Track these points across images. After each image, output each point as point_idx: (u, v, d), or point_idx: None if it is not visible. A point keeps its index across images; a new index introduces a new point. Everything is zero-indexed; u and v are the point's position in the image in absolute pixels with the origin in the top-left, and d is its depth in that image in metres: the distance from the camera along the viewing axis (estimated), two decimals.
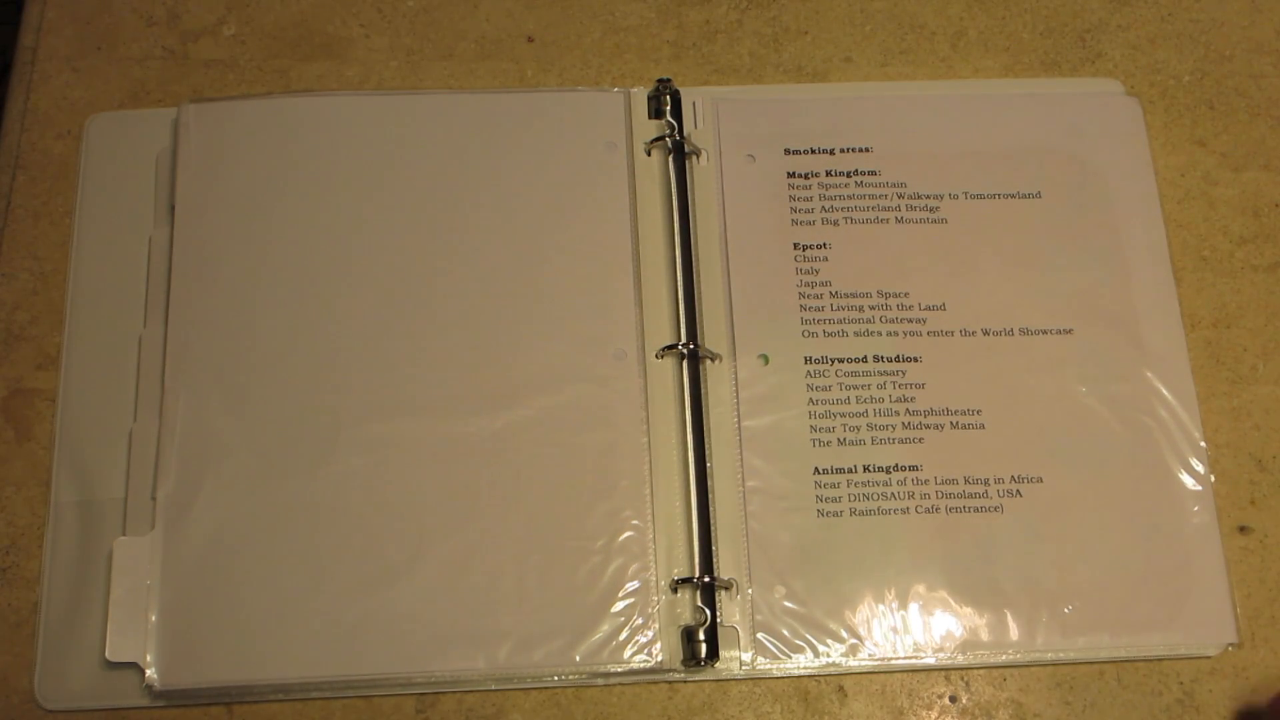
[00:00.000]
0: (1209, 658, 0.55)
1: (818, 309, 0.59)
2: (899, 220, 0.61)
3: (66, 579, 0.54)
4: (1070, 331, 0.59)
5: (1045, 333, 0.59)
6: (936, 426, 0.57)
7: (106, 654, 0.52)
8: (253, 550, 0.54)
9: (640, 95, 0.63)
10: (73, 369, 0.57)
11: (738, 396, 0.57)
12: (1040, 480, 0.56)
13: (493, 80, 0.65)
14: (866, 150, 0.62)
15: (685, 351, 0.57)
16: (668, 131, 0.62)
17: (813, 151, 0.62)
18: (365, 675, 0.52)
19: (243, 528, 0.54)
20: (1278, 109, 0.65)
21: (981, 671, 0.54)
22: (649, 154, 0.62)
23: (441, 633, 0.53)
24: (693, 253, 0.60)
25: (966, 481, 0.56)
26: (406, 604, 0.53)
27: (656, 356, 0.58)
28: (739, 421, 0.57)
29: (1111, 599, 0.54)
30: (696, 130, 0.62)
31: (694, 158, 0.62)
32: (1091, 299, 0.59)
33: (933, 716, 0.54)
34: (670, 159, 0.61)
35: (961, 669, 0.54)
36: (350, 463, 0.55)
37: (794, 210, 0.61)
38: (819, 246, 0.60)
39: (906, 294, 0.59)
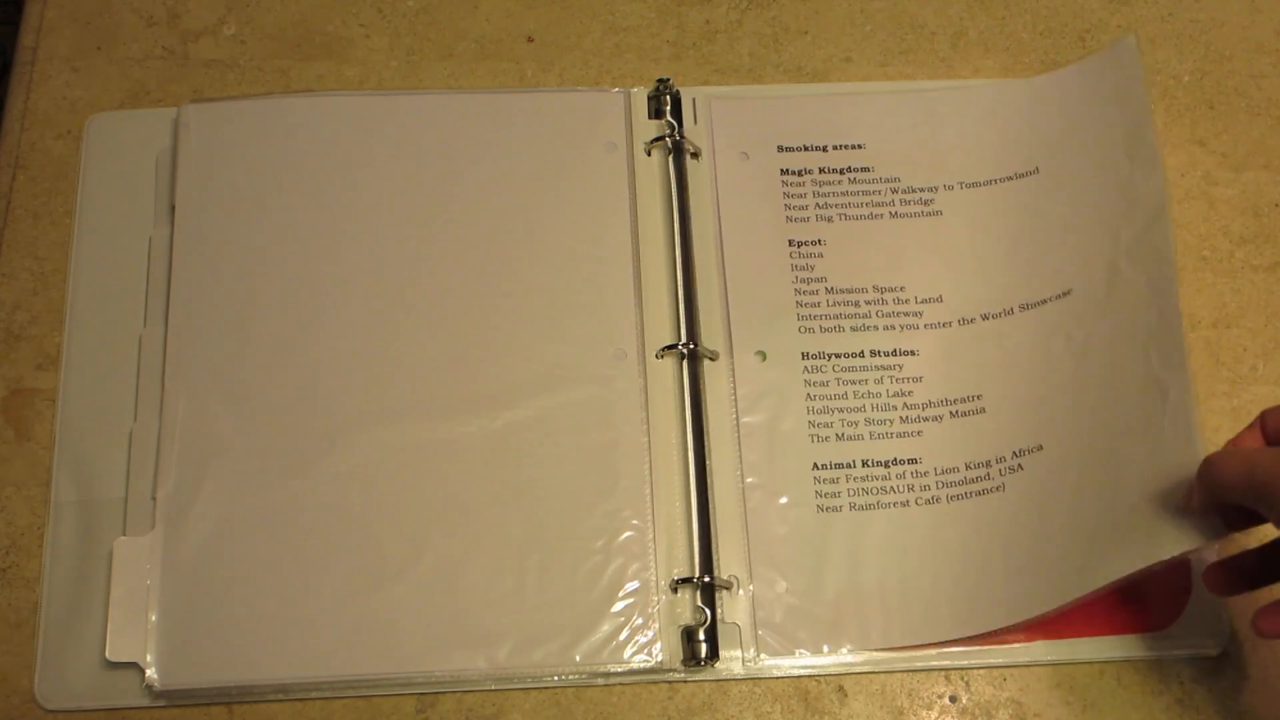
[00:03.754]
0: (1209, 658, 0.55)
1: (814, 305, 0.59)
2: (893, 215, 0.61)
3: (66, 579, 0.54)
4: (1069, 293, 0.58)
5: (1044, 302, 0.59)
6: (935, 418, 0.57)
7: (106, 654, 0.52)
8: (253, 550, 0.53)
9: (640, 95, 0.63)
10: (73, 369, 0.57)
11: (735, 394, 0.57)
12: (1040, 448, 0.56)
13: (493, 80, 0.65)
14: (859, 147, 0.62)
15: (685, 351, 0.57)
16: (668, 131, 0.62)
17: (805, 149, 0.62)
18: (365, 675, 0.52)
19: (242, 528, 0.54)
20: (1278, 109, 0.65)
21: (981, 671, 0.54)
22: (649, 154, 0.62)
23: (441, 633, 0.53)
24: (691, 252, 0.60)
25: (967, 468, 0.56)
26: (406, 604, 0.53)
27: (657, 356, 0.58)
28: (737, 418, 0.57)
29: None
30: (692, 129, 0.62)
31: (693, 157, 0.62)
32: (1090, 256, 0.59)
33: (933, 716, 0.54)
34: (670, 159, 0.61)
35: (961, 669, 0.54)
36: (350, 462, 0.55)
37: (788, 207, 0.61)
38: (814, 243, 0.60)
39: (902, 288, 0.59)
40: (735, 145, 0.62)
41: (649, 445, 0.56)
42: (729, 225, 0.60)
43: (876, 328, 0.59)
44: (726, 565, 0.54)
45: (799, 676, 0.54)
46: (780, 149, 0.62)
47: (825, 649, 0.53)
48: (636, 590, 0.53)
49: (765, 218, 0.61)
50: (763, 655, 0.53)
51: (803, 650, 0.53)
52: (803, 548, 0.55)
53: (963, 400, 0.57)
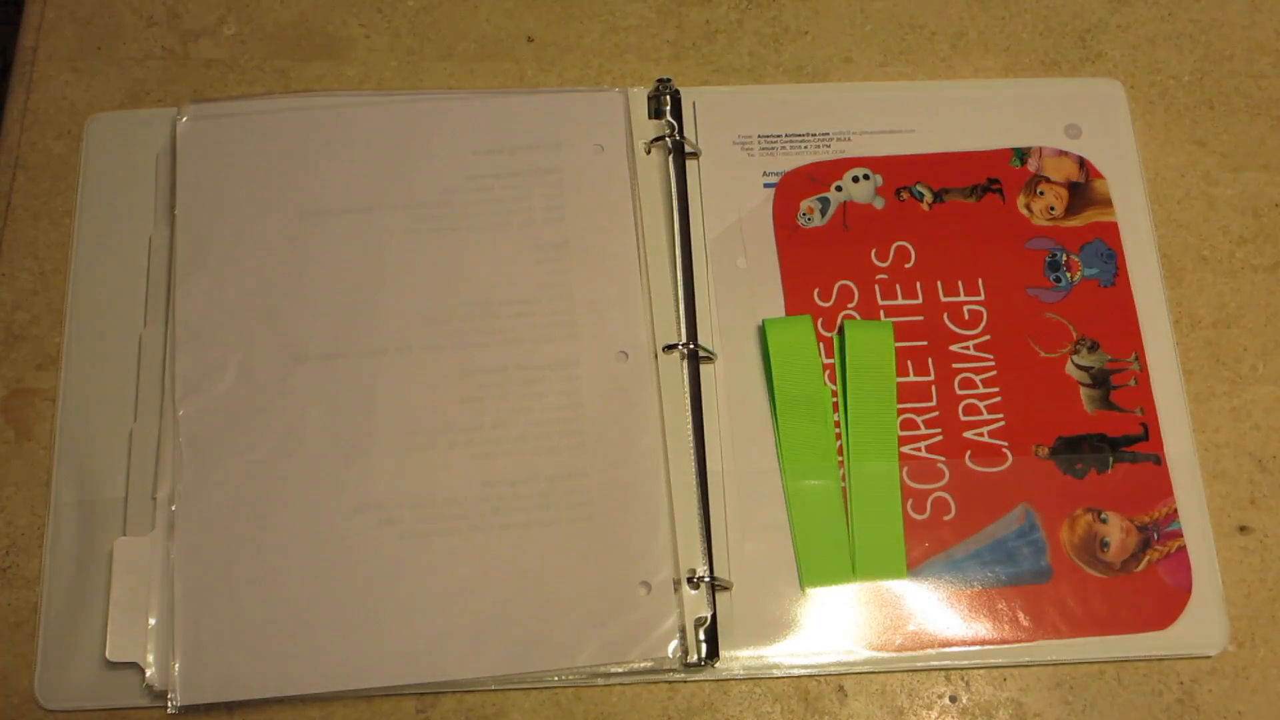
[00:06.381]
0: (1209, 658, 0.55)
1: None
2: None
3: (66, 579, 0.54)
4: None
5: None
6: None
7: (106, 654, 0.52)
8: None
9: (640, 95, 0.63)
10: (73, 369, 0.57)
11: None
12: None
13: (493, 80, 0.65)
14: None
15: (685, 351, 0.58)
16: (667, 131, 0.62)
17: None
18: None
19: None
20: (1278, 109, 0.65)
21: (981, 671, 0.54)
22: (648, 153, 0.62)
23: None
24: (692, 252, 0.60)
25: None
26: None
27: (654, 357, 0.58)
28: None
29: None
30: (694, 129, 0.62)
31: (692, 157, 0.62)
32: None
33: (933, 716, 0.54)
34: (670, 159, 0.61)
35: (962, 669, 0.54)
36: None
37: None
38: None
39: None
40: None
41: (648, 444, 0.56)
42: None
43: None
44: (686, 561, 0.55)
45: (799, 676, 0.54)
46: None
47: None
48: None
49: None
50: (744, 656, 0.54)
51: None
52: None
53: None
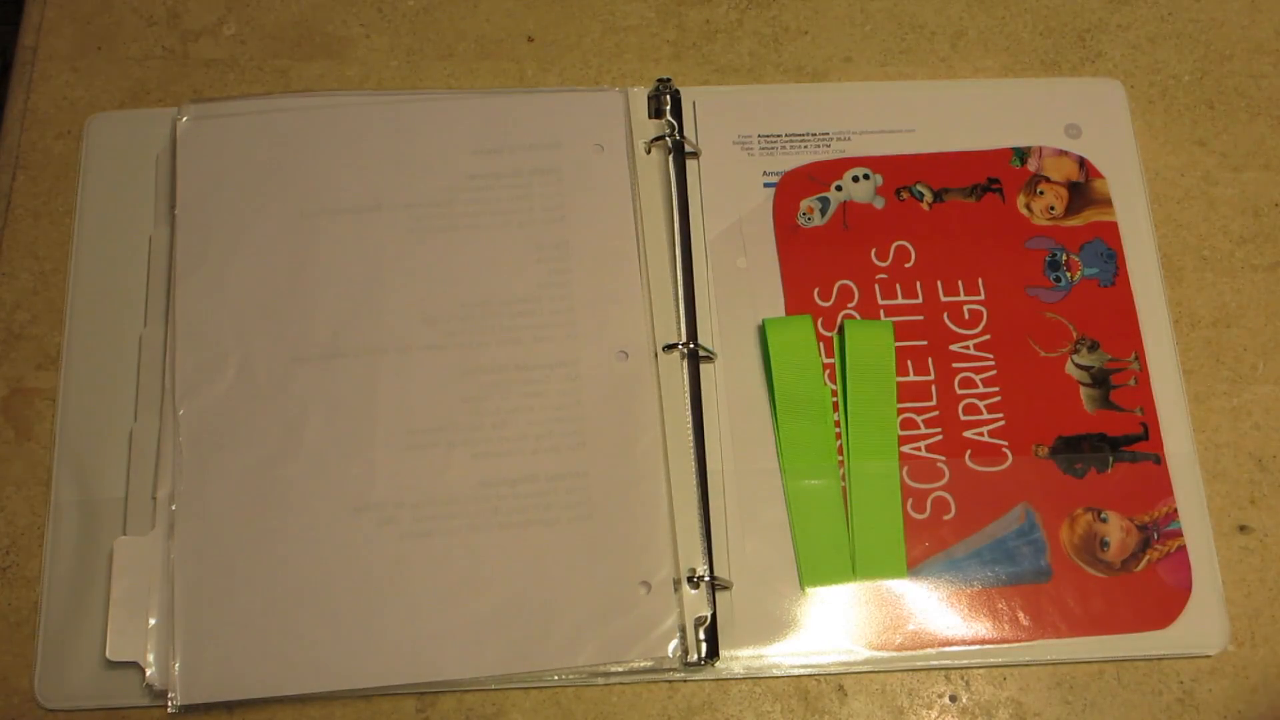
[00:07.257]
0: (1208, 657, 0.55)
1: None
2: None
3: (66, 579, 0.54)
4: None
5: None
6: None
7: (107, 653, 0.52)
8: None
9: (640, 95, 0.63)
10: (73, 369, 0.58)
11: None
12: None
13: (493, 80, 0.65)
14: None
15: (685, 351, 0.58)
16: (667, 131, 0.62)
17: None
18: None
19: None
20: (1278, 109, 0.65)
21: (981, 671, 0.54)
22: (649, 153, 0.62)
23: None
24: (692, 252, 0.60)
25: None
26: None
27: (654, 357, 0.58)
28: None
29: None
30: (694, 129, 0.63)
31: (692, 157, 0.62)
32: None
33: (933, 716, 0.54)
34: (670, 158, 0.61)
35: (962, 668, 0.54)
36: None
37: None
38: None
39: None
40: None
41: (648, 444, 0.56)
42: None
43: None
44: (691, 563, 0.55)
45: (799, 676, 0.54)
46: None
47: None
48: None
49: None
50: (745, 656, 0.54)
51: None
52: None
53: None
